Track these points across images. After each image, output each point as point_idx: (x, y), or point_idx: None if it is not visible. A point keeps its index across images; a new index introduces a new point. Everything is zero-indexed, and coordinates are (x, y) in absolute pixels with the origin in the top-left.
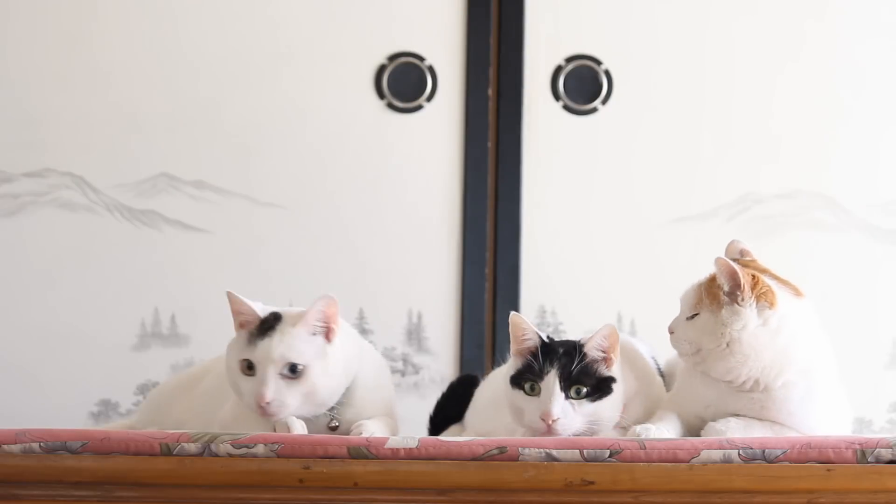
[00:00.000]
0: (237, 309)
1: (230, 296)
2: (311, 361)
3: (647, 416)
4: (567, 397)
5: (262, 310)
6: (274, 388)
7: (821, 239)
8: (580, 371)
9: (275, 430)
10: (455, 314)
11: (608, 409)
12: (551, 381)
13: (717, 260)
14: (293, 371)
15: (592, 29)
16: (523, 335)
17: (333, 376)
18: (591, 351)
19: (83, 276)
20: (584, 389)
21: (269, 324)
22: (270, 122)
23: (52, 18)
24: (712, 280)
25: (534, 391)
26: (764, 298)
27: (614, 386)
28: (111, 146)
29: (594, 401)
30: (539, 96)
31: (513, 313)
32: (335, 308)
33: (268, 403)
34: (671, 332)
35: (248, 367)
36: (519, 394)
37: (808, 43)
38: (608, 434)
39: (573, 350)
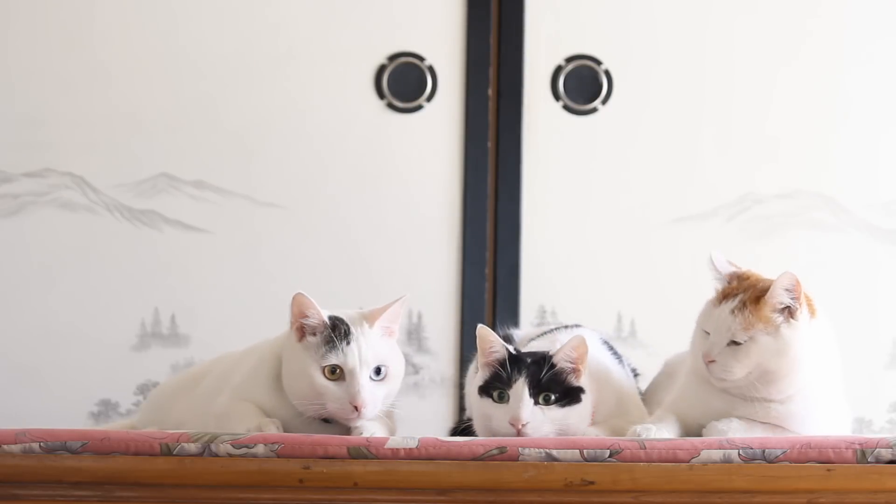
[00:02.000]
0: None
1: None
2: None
3: (617, 405)
4: (536, 403)
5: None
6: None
7: (821, 239)
8: (549, 379)
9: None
10: (455, 314)
11: (576, 416)
12: (520, 388)
13: (785, 274)
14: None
15: (592, 29)
16: (490, 347)
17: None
18: (561, 361)
19: (83, 276)
20: (553, 396)
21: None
22: (271, 122)
23: (52, 18)
24: (757, 300)
25: (503, 399)
26: (808, 308)
27: (583, 396)
28: (111, 146)
29: (563, 406)
30: (539, 96)
31: (480, 326)
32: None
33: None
34: (710, 361)
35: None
36: (487, 402)
37: (807, 42)
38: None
39: (542, 360)
